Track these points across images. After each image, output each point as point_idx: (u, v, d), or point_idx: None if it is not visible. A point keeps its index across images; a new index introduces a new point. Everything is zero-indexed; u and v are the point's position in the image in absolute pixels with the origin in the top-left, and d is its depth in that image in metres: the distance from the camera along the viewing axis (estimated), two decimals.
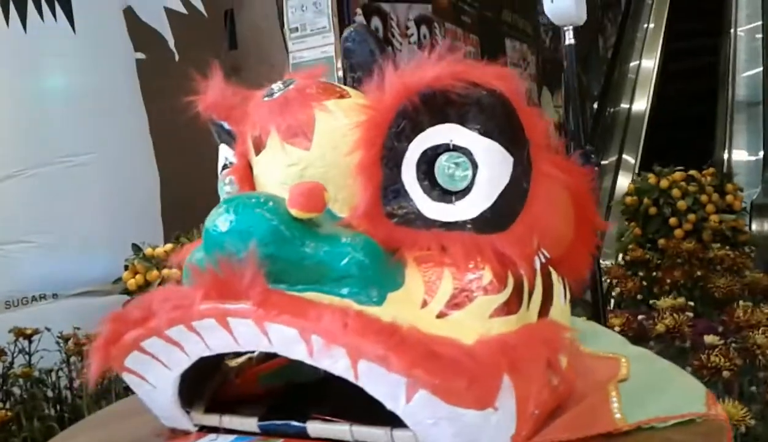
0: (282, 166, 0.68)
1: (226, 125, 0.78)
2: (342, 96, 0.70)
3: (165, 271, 2.13)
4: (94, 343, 0.68)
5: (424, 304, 0.61)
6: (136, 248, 2.36)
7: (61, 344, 2.19)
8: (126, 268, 2.30)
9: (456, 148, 0.65)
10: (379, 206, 0.65)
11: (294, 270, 0.60)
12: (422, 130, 0.66)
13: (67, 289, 2.70)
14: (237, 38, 3.68)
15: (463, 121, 0.65)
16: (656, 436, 0.62)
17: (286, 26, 3.35)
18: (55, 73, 3.02)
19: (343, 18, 3.32)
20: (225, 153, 0.80)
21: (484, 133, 0.65)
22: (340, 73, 3.12)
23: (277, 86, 0.71)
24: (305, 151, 0.68)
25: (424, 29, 3.84)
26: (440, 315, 0.60)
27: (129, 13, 3.28)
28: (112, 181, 3.00)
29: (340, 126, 0.67)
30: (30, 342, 2.15)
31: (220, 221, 0.61)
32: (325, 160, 0.67)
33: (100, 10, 3.09)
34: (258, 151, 0.71)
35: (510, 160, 0.66)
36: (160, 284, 2.14)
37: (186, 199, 3.12)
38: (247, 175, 0.73)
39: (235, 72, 3.76)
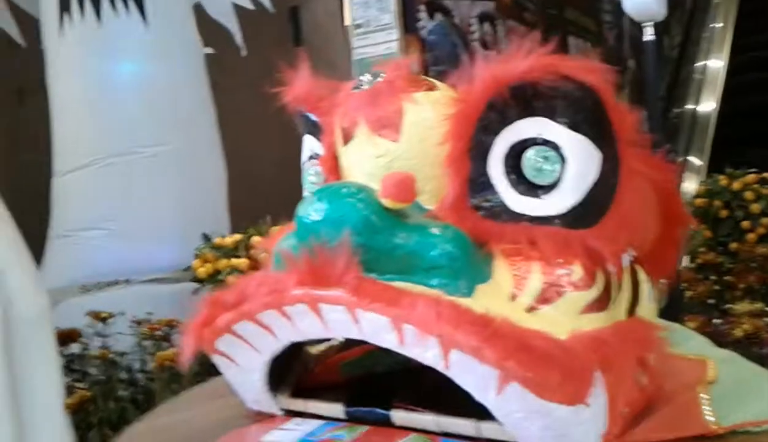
0: (370, 157, 0.69)
1: (313, 116, 0.78)
2: (430, 88, 0.70)
3: (234, 260, 2.17)
4: (189, 325, 0.69)
5: (513, 297, 0.60)
6: (206, 238, 2.40)
7: (135, 328, 2.25)
8: (196, 257, 2.34)
9: (544, 142, 0.64)
10: (466, 199, 0.65)
11: (384, 260, 0.60)
12: (511, 123, 0.65)
13: (139, 275, 2.77)
14: (301, 35, 3.71)
15: (552, 115, 0.64)
16: (750, 440, 0.61)
17: (349, 23, 3.37)
18: (128, 65, 3.11)
19: (406, 14, 3.32)
20: (310, 144, 0.81)
21: (574, 127, 0.64)
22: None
23: (366, 78, 0.71)
24: (394, 142, 0.68)
25: (486, 26, 3.80)
26: (530, 309, 0.60)
27: (198, 9, 3.34)
28: (181, 171, 3.07)
29: (429, 118, 0.67)
30: (105, 325, 2.22)
31: (313, 209, 0.61)
32: (413, 151, 0.67)
33: (171, 5, 3.16)
34: (346, 142, 0.71)
35: (599, 155, 0.65)
36: (229, 273, 2.18)
37: (252, 190, 3.18)
38: (334, 166, 0.74)
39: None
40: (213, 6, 3.34)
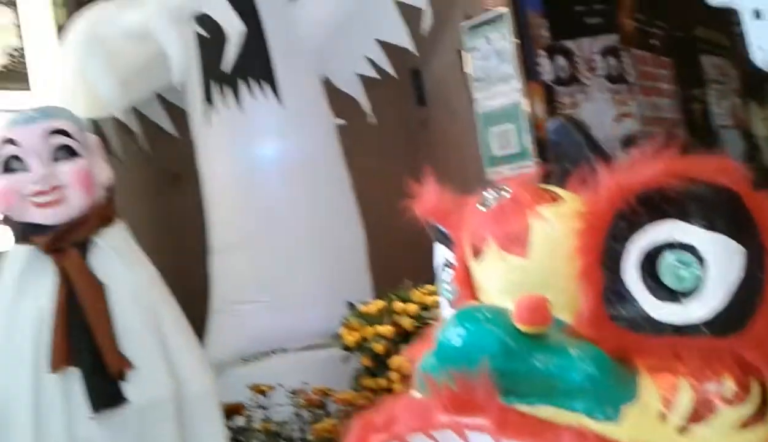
0: (501, 274, 0.70)
1: (443, 228, 0.81)
2: (555, 200, 0.70)
3: (379, 327, 2.22)
4: None
5: (663, 417, 0.59)
6: (351, 306, 2.48)
7: (292, 398, 2.34)
8: (343, 325, 2.42)
9: (680, 246, 0.63)
10: (603, 312, 0.64)
11: (524, 383, 0.61)
12: (642, 229, 0.64)
13: (293, 343, 2.89)
14: (424, 94, 3.79)
15: (685, 217, 0.63)
16: None
17: (470, 76, 3.40)
18: (268, 144, 3.29)
19: (526, 61, 3.31)
20: (442, 252, 0.83)
21: (710, 227, 0.62)
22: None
23: (490, 195, 0.73)
24: (523, 259, 0.68)
25: (611, 60, 3.71)
26: (682, 430, 0.58)
27: (326, 83, 3.49)
28: (323, 240, 3.19)
29: (556, 232, 0.67)
30: (266, 397, 2.33)
31: (451, 335, 0.63)
32: (543, 267, 0.68)
33: (302, 83, 3.32)
34: (476, 258, 0.73)
35: (742, 252, 0.62)
36: (375, 341, 2.23)
37: (390, 253, 3.25)
38: (467, 279, 0.75)
39: (423, 125, 3.87)
40: (340, 78, 3.48)
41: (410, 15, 3.32)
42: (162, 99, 3.51)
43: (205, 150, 3.31)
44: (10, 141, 1.82)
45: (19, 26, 3.34)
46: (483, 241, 0.71)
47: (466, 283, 0.75)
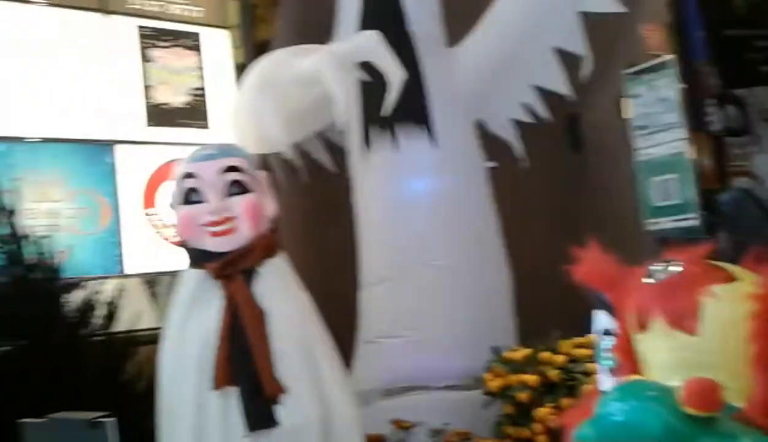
0: (667, 350, 0.68)
1: (605, 296, 0.80)
2: (729, 278, 0.68)
3: (524, 376, 2.18)
4: None
5: None
6: (495, 351, 2.46)
7: (433, 438, 2.34)
8: (487, 369, 2.40)
9: None
10: None
11: None
12: None
13: (435, 381, 2.90)
14: (580, 141, 3.70)
15: None
16: None
17: (630, 123, 3.29)
18: (420, 183, 3.35)
19: (693, 110, 3.16)
20: (602, 319, 0.82)
21: None
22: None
23: (659, 268, 0.71)
24: (692, 337, 0.66)
25: None
26: None
27: (479, 125, 3.51)
28: (470, 282, 3.19)
29: (730, 313, 0.65)
30: (407, 433, 2.35)
31: (613, 409, 0.62)
32: (713, 348, 0.65)
33: (456, 126, 3.37)
34: (641, 330, 0.71)
35: None
36: (519, 390, 2.19)
37: (537, 300, 3.18)
38: (628, 351, 0.74)
39: (578, 172, 3.77)
40: (493, 122, 3.50)
41: (569, 60, 3.28)
42: (323, 137, 3.68)
43: (361, 187, 3.43)
44: (191, 175, 1.98)
45: (201, 68, 3.66)
46: (649, 314, 0.69)
47: (629, 355, 0.74)
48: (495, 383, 2.31)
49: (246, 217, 1.96)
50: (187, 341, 1.92)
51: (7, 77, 3.22)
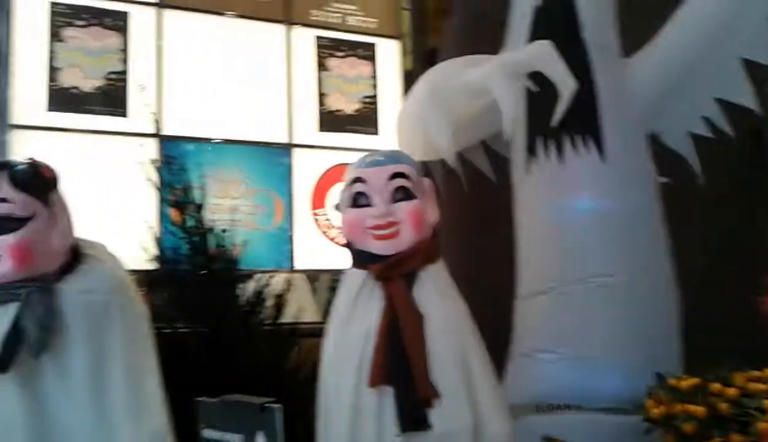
0: None
1: None
2: None
3: (690, 406, 2.06)
4: None
5: None
6: (659, 377, 2.34)
7: None
8: (649, 395, 2.29)
9: None
10: None
11: None
12: None
13: (589, 402, 2.81)
14: (765, 159, 3.44)
15: None
16: None
17: None
18: (585, 198, 3.25)
19: None
20: None
21: None
22: None
23: None
24: None
25: None
26: None
27: (653, 140, 3.36)
28: (633, 302, 3.05)
29: None
30: None
31: None
32: None
33: (627, 139, 3.24)
34: None
35: None
36: (684, 420, 2.07)
37: (709, 327, 2.99)
38: None
39: (763, 189, 3.51)
40: (669, 136, 3.33)
41: (755, 72, 3.07)
42: (485, 146, 3.68)
43: (522, 198, 3.39)
44: (360, 179, 2.06)
45: (374, 77, 3.81)
46: None
47: None
48: (657, 411, 2.19)
49: (410, 223, 2.02)
50: (349, 338, 2.00)
51: (198, 83, 3.54)
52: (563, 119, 3.03)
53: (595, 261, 3.10)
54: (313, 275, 3.64)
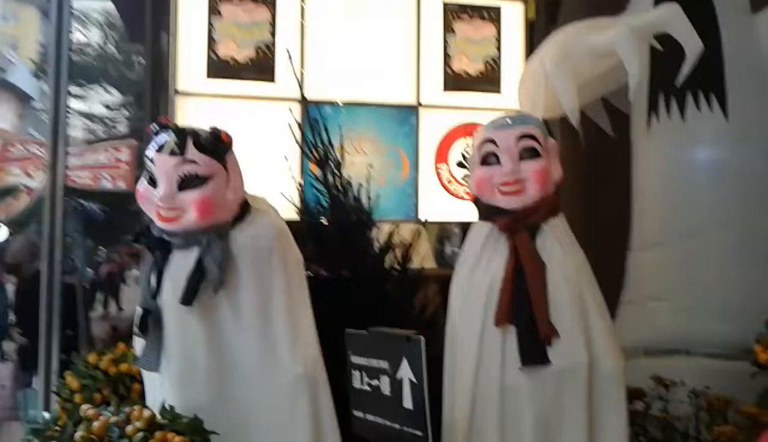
0: None
1: None
2: None
3: None
4: None
5: None
6: None
7: (692, 399, 2.39)
8: (757, 341, 2.37)
9: None
10: None
11: None
12: None
13: (697, 347, 2.89)
14: None
15: None
16: None
17: None
18: (705, 154, 3.26)
19: None
20: None
21: None
22: None
23: None
24: None
25: None
26: None
27: None
28: (747, 254, 3.08)
29: None
30: (667, 391, 2.42)
31: None
32: None
33: (751, 97, 3.21)
34: None
35: None
36: None
37: None
38: None
39: None
40: None
41: None
42: (606, 102, 3.71)
43: (641, 154, 3.45)
44: (491, 141, 2.20)
45: (498, 39, 3.89)
46: None
47: None
48: (765, 356, 2.27)
49: (535, 181, 2.15)
50: (476, 284, 2.18)
51: (336, 51, 3.78)
52: (689, 78, 3.02)
53: (713, 215, 3.15)
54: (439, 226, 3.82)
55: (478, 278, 2.18)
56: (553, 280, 2.08)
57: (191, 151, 1.97)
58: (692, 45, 2.76)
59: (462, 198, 3.87)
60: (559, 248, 2.15)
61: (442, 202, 3.90)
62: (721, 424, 2.18)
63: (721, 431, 2.06)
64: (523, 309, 2.06)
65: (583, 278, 2.17)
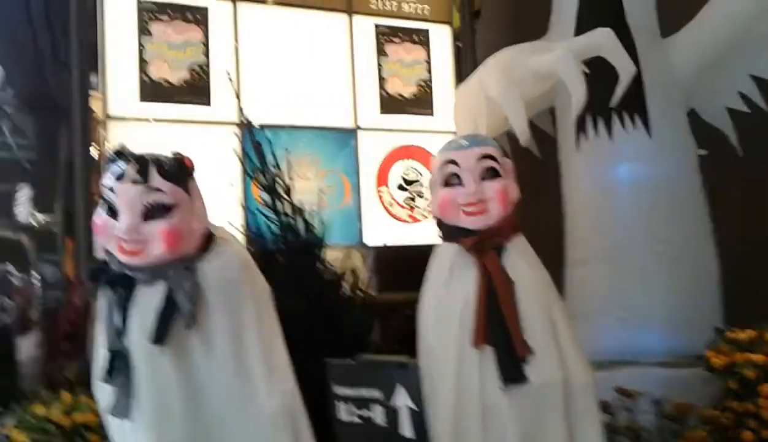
0: None
1: None
2: None
3: (751, 355, 2.26)
4: None
5: None
6: (719, 331, 2.54)
7: (656, 408, 2.48)
8: (711, 348, 2.50)
9: None
10: None
11: None
12: None
13: (645, 358, 3.02)
14: None
15: None
16: None
17: None
18: (630, 170, 3.44)
19: None
20: None
21: None
22: None
23: None
24: None
25: None
26: None
27: (692, 114, 3.53)
28: (676, 263, 3.26)
29: None
30: (633, 401, 2.49)
31: None
32: None
33: (670, 115, 3.43)
34: None
35: None
36: (745, 367, 2.28)
37: (747, 285, 3.19)
38: None
39: None
40: (707, 111, 3.51)
41: None
42: (531, 124, 3.84)
43: (569, 172, 3.58)
44: (452, 162, 2.21)
45: (429, 61, 3.96)
46: None
47: None
48: (718, 361, 2.40)
49: (497, 200, 2.16)
50: (448, 305, 2.15)
51: (271, 74, 3.70)
52: (609, 98, 3.18)
53: (641, 227, 3.32)
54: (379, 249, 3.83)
55: (449, 299, 2.15)
56: (522, 297, 2.10)
57: (155, 179, 1.85)
58: (626, 68, 2.91)
59: (404, 221, 3.90)
60: (525, 265, 2.17)
61: (385, 226, 3.91)
62: (689, 430, 2.27)
63: (691, 437, 2.15)
64: (499, 329, 2.05)
65: (550, 294, 2.20)
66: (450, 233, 2.24)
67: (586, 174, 3.49)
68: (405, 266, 3.76)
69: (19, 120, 3.42)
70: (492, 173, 2.18)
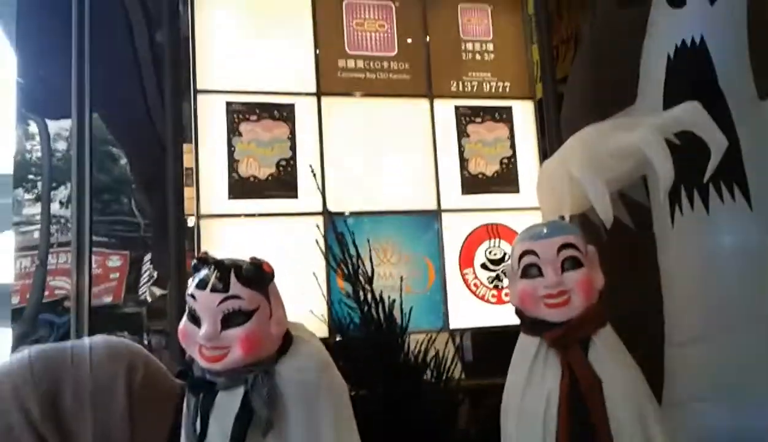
0: None
1: None
2: None
3: None
4: None
5: None
6: None
7: None
8: None
9: None
10: None
11: None
12: None
13: None
14: None
15: None
16: None
17: None
18: (731, 245, 3.23)
19: None
20: None
21: None
22: None
23: None
24: None
25: None
26: None
27: None
28: None
29: None
30: None
31: None
32: None
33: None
34: None
35: None
36: None
37: None
38: None
39: None
40: None
41: None
42: (623, 196, 3.72)
43: (666, 246, 3.41)
44: (532, 252, 2.18)
45: (512, 138, 3.94)
46: None
47: None
48: None
49: (580, 291, 2.12)
50: (530, 404, 2.10)
51: (355, 162, 3.81)
52: (704, 170, 3.02)
53: (744, 304, 3.09)
54: (468, 334, 3.76)
55: (532, 398, 2.10)
56: (611, 398, 2.01)
57: (234, 286, 1.92)
58: (717, 141, 2.78)
59: (489, 302, 3.83)
60: (612, 361, 2.09)
61: (471, 308, 3.85)
62: None
63: None
64: (585, 432, 1.98)
65: (642, 394, 2.10)
66: (531, 325, 2.19)
67: (681, 248, 3.32)
68: (493, 349, 3.70)
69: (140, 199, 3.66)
70: (573, 263, 2.14)
